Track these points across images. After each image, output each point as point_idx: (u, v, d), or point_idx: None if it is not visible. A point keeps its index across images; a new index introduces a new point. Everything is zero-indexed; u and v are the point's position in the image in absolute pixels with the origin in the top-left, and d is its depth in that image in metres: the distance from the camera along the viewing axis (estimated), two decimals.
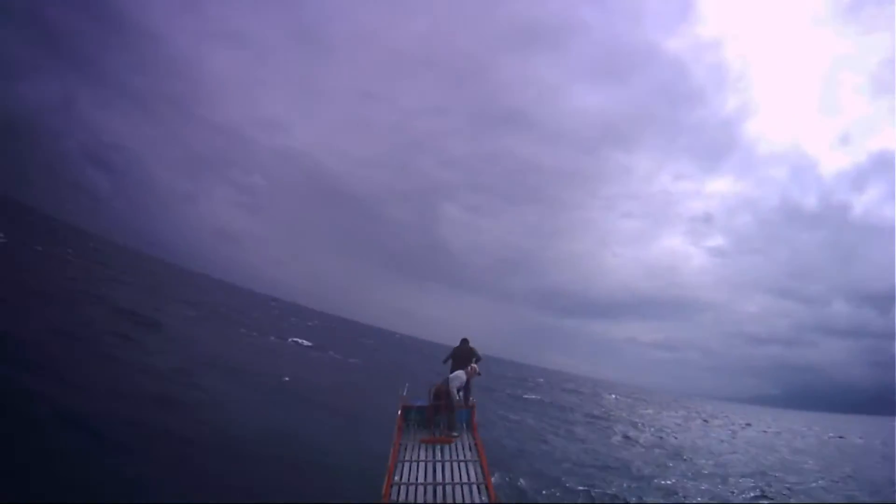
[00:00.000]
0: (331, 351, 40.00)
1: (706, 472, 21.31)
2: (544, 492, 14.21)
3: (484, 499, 6.67)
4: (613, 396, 66.25)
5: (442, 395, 10.03)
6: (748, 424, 53.20)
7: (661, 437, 30.67)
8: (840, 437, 49.04)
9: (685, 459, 23.62)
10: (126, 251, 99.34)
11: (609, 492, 15.51)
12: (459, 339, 12.24)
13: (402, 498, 6.62)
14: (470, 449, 8.70)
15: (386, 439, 12.72)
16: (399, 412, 9.93)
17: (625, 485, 16.69)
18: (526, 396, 38.71)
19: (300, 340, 38.88)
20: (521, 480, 14.56)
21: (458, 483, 7.16)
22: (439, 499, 6.65)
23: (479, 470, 7.68)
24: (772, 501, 17.29)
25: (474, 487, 7.01)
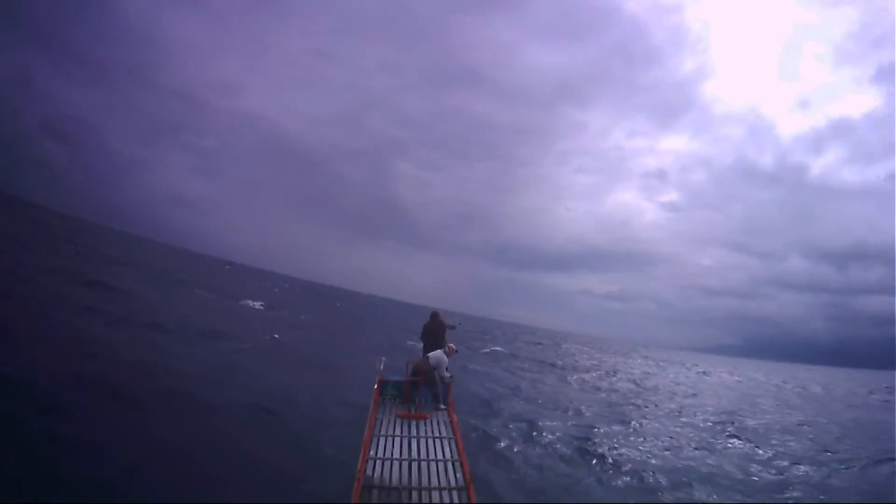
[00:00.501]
0: (285, 310, 38.32)
1: (673, 412, 20.86)
2: (502, 442, 12.69)
3: (459, 476, 6.62)
4: (572, 346, 66.80)
5: (420, 371, 9.79)
6: (704, 373, 53.68)
7: (623, 382, 30.26)
8: (801, 388, 49.47)
9: (650, 401, 23.18)
10: (86, 224, 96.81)
11: (573, 437, 14.12)
12: (430, 315, 11.34)
13: (377, 473, 6.53)
14: (445, 426, 8.61)
15: (339, 394, 13.48)
16: (375, 386, 9.73)
17: (588, 430, 15.39)
18: (484, 350, 37.47)
19: (252, 302, 36.85)
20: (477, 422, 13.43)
21: (433, 460, 7.09)
22: (414, 475, 6.58)
23: (454, 447, 7.62)
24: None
25: (449, 465, 6.96)
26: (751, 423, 20.56)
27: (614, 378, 32.48)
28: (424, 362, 9.91)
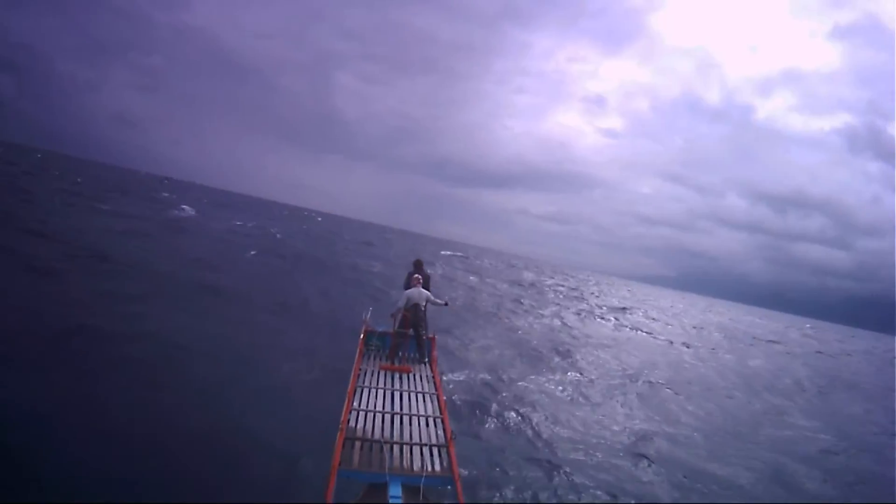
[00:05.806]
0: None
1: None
2: None
3: (440, 433, 6.79)
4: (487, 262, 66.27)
5: (408, 323, 9.54)
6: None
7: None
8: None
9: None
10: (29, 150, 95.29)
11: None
12: (412, 263, 10.93)
13: (360, 425, 6.62)
14: (428, 381, 8.72)
15: None
16: (361, 336, 9.69)
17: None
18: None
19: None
20: None
21: (415, 415, 7.23)
22: (396, 429, 6.73)
23: (436, 403, 7.76)
24: None
25: (431, 420, 7.11)
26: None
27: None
28: (412, 312, 9.55)
